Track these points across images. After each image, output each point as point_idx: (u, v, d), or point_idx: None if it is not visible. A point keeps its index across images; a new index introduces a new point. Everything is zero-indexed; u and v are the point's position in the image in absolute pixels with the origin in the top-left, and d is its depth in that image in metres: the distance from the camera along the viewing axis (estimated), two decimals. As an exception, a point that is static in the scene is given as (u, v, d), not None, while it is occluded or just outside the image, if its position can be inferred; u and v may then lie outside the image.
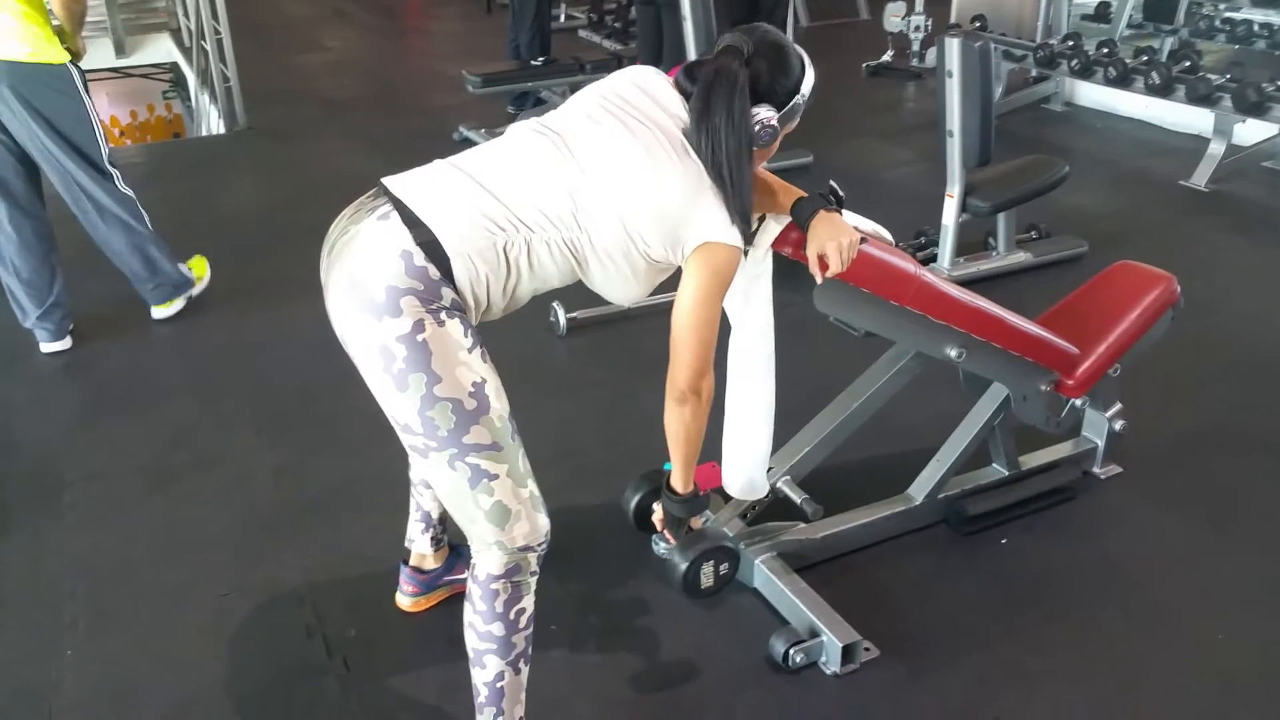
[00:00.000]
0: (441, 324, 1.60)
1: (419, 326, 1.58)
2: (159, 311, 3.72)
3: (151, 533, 2.61)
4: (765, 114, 1.76)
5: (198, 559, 2.51)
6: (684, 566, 2.14)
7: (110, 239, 3.54)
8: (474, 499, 1.68)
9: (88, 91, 3.35)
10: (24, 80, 3.20)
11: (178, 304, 3.75)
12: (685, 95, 1.77)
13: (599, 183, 1.68)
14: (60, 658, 2.21)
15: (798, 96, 1.81)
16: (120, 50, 8.75)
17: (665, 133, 1.71)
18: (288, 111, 6.68)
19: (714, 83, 1.70)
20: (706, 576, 2.17)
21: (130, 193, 3.53)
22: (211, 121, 7.04)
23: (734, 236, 1.72)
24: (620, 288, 1.79)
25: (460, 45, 8.75)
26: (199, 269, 3.87)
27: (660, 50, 5.28)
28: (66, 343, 3.53)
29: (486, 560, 1.74)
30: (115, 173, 3.48)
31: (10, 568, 2.50)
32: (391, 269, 1.59)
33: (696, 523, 2.19)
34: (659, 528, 2.13)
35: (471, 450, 1.64)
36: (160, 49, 9.05)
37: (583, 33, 8.61)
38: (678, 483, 1.99)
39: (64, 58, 3.26)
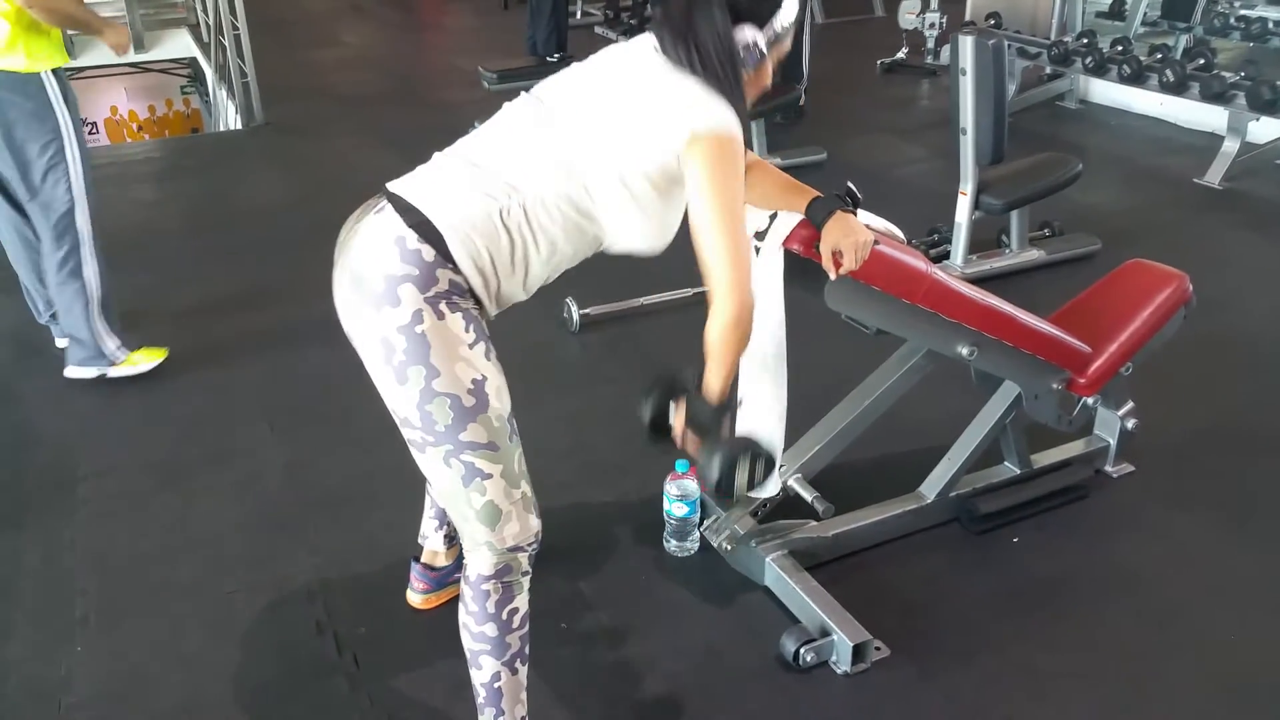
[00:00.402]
0: (441, 316, 1.59)
1: (418, 317, 1.58)
2: (69, 370, 3.30)
3: (164, 528, 2.63)
4: (749, 33, 1.68)
5: (209, 555, 2.53)
6: (720, 460, 1.76)
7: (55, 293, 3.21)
8: (466, 497, 1.68)
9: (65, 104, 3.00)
10: None
11: (89, 371, 3.29)
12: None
13: (580, 121, 1.67)
14: (71, 654, 2.23)
15: (780, 14, 1.72)
16: (139, 45, 8.79)
17: (645, 60, 1.70)
18: (305, 107, 6.71)
19: (690, 4, 1.65)
20: (741, 473, 1.80)
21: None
22: (229, 116, 7.08)
23: (724, 118, 1.63)
24: (633, 227, 1.70)
25: (477, 41, 8.77)
26: (150, 355, 3.35)
27: None
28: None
29: (477, 560, 1.74)
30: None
31: (24, 563, 2.51)
32: (387, 257, 1.59)
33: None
34: (678, 438, 1.83)
35: (467, 448, 1.64)
36: (179, 44, 9.10)
37: (599, 29, 8.61)
38: (714, 389, 1.75)
39: (34, 67, 2.91)
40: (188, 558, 2.52)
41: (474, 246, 1.61)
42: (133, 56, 8.86)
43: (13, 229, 3.28)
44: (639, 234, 1.71)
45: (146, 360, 3.34)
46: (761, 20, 1.70)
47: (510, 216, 1.63)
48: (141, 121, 11.97)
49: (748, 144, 1.71)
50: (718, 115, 1.63)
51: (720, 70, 1.65)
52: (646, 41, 1.73)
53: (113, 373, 3.29)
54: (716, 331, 1.67)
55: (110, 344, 3.26)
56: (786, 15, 1.73)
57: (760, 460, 1.82)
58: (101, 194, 4.67)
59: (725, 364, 1.72)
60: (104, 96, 11.81)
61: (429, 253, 1.59)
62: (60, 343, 3.44)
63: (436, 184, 1.67)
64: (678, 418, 1.82)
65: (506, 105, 1.79)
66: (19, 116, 2.94)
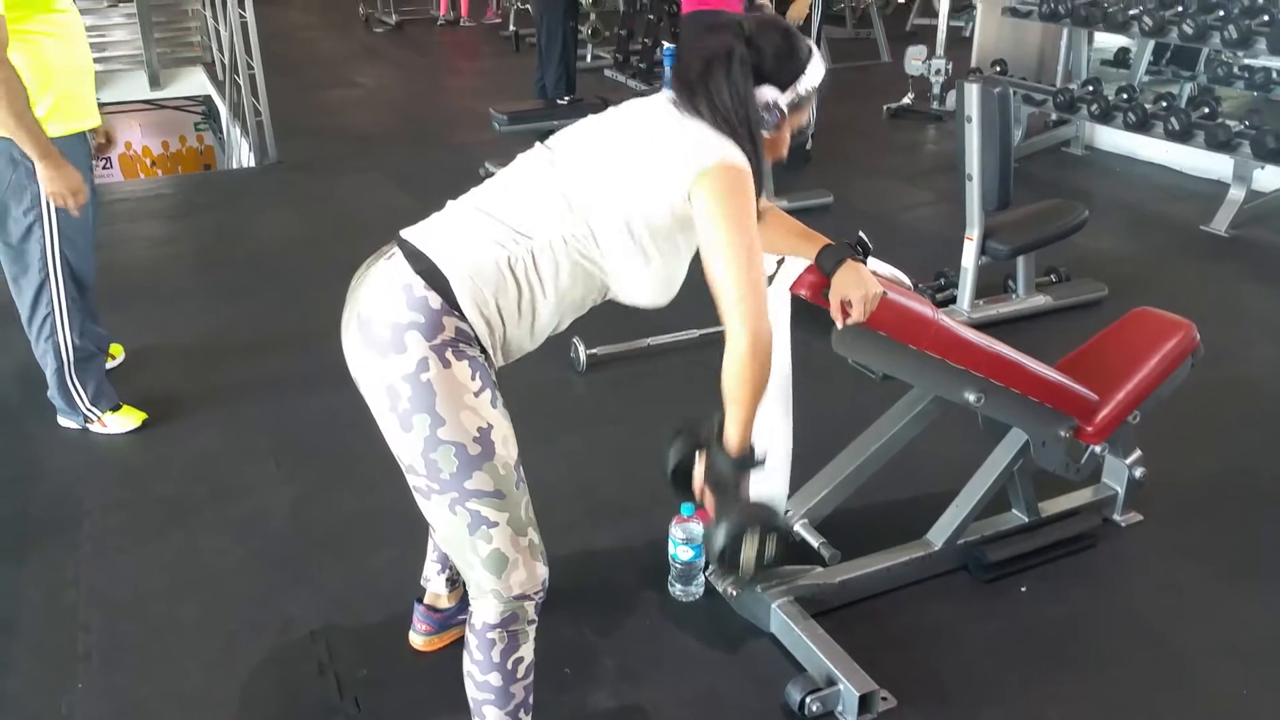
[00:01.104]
0: (447, 364, 1.59)
1: (423, 365, 1.58)
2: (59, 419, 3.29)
3: (167, 565, 2.62)
4: (769, 93, 1.69)
5: (212, 593, 2.52)
6: (728, 531, 1.72)
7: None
8: (472, 545, 1.67)
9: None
10: None
11: (72, 423, 3.27)
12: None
13: (588, 168, 1.68)
14: (72, 691, 2.21)
15: (803, 79, 1.72)
16: (155, 83, 8.90)
17: (658, 112, 1.72)
18: (318, 146, 6.76)
19: (712, 55, 1.66)
20: (750, 546, 1.75)
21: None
22: (242, 154, 7.14)
23: (733, 155, 1.63)
24: (637, 277, 1.70)
25: (488, 83, 8.86)
26: (126, 416, 3.27)
27: None
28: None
29: (483, 608, 1.72)
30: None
31: (27, 598, 2.51)
32: (394, 304, 1.60)
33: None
34: (698, 492, 1.79)
35: (473, 496, 1.63)
36: (194, 82, 9.20)
37: (608, 72, 8.70)
38: (734, 438, 1.70)
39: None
40: (190, 596, 2.51)
41: (481, 295, 1.61)
42: (148, 94, 8.99)
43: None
44: (644, 284, 1.71)
45: (120, 422, 3.24)
46: (784, 82, 1.71)
47: (517, 264, 1.63)
48: (155, 157, 12.06)
49: (759, 193, 1.72)
50: (726, 151, 1.64)
51: (735, 125, 1.65)
52: (662, 96, 1.75)
53: (92, 428, 3.24)
54: (733, 366, 1.63)
55: (82, 406, 3.20)
56: (811, 78, 1.74)
57: (772, 536, 1.74)
58: (113, 230, 4.71)
59: (744, 406, 1.66)
60: (119, 132, 11.90)
61: (435, 300, 1.59)
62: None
63: (446, 231, 1.68)
64: (698, 470, 1.78)
65: (520, 155, 1.80)
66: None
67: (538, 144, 1.80)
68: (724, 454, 1.72)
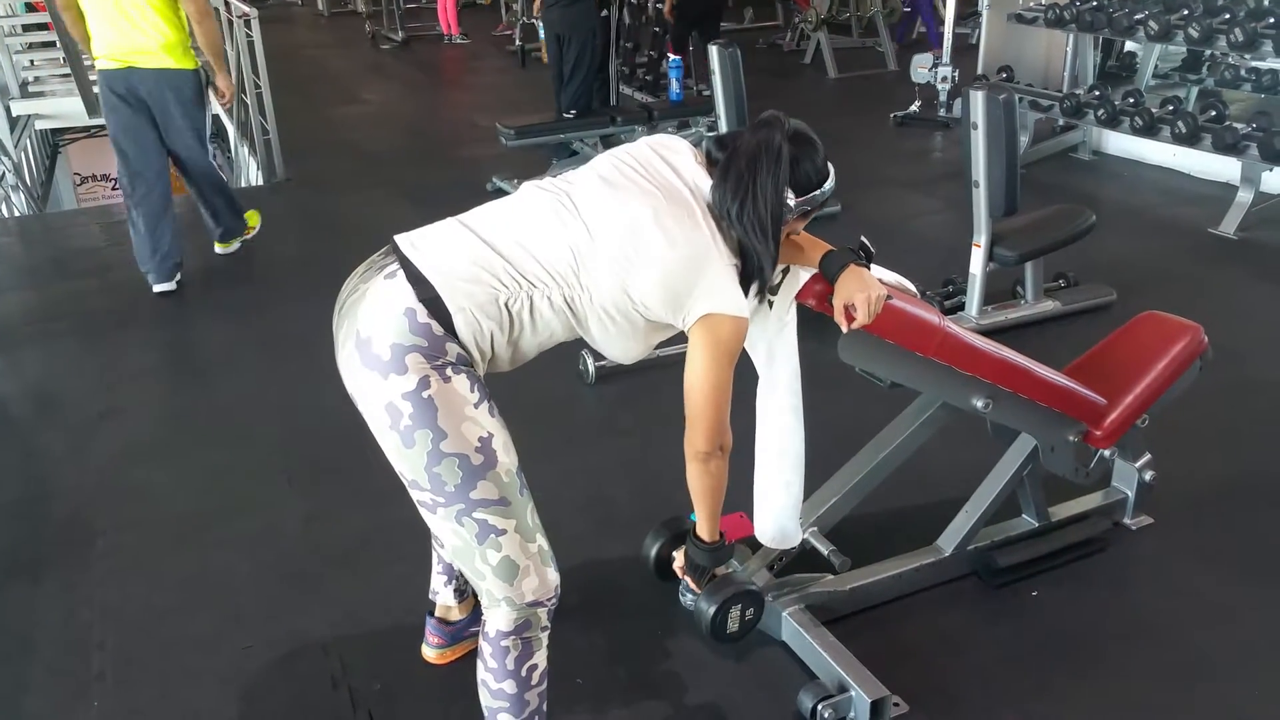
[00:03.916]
0: (447, 380, 1.61)
1: (424, 383, 1.60)
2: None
3: (180, 582, 2.63)
4: (790, 197, 1.78)
5: (225, 609, 2.53)
6: (712, 611, 2.12)
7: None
8: (481, 555, 1.68)
9: None
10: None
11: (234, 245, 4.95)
12: (712, 163, 1.78)
13: (602, 242, 1.69)
14: (88, 709, 2.23)
15: (819, 190, 1.83)
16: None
17: (678, 199, 1.73)
18: (326, 163, 6.80)
19: (760, 152, 1.72)
20: (733, 621, 2.16)
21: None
22: (250, 172, 7.18)
23: (739, 307, 1.72)
24: (619, 345, 1.79)
25: (495, 98, 8.90)
26: (252, 219, 5.03)
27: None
28: (172, 285, 4.51)
29: (496, 617, 1.74)
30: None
31: (42, 617, 2.52)
32: (396, 327, 1.61)
33: (719, 571, 2.18)
34: (680, 575, 2.12)
35: (479, 506, 1.65)
36: (201, 101, 9.25)
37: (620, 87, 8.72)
38: (704, 532, 1.99)
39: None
40: (204, 612, 2.52)
41: (478, 327, 1.66)
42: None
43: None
44: (620, 350, 1.81)
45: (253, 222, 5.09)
46: (805, 189, 1.80)
47: (514, 303, 1.67)
48: (165, 177, 12.16)
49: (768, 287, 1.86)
50: (733, 301, 1.72)
51: (762, 228, 1.73)
52: (686, 160, 1.79)
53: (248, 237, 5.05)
54: (695, 475, 1.86)
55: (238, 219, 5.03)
56: (826, 189, 1.84)
57: (750, 605, 2.16)
58: (122, 248, 4.75)
59: (705, 506, 1.92)
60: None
61: (438, 328, 1.62)
62: (156, 288, 4.49)
63: (449, 258, 1.69)
64: (678, 559, 2.12)
65: (528, 187, 1.82)
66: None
67: (547, 182, 1.82)
68: (698, 545, 2.02)
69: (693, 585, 2.12)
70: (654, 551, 2.44)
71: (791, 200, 1.78)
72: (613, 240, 1.69)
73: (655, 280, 1.68)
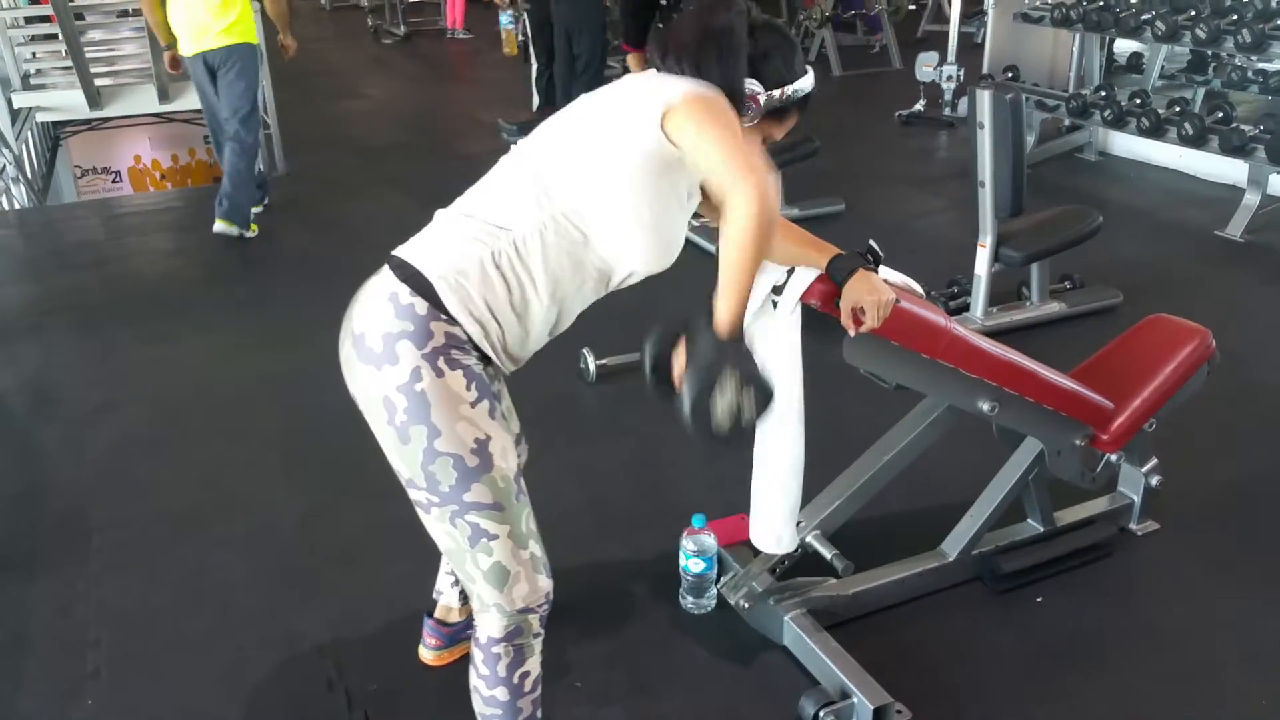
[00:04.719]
0: (440, 374, 1.56)
1: (416, 375, 1.56)
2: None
3: (177, 580, 2.61)
4: (753, 85, 1.66)
5: (221, 607, 2.51)
6: (698, 388, 1.55)
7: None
8: (473, 558, 1.65)
9: None
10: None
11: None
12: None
13: (560, 143, 1.66)
14: (82, 707, 2.21)
15: (791, 85, 1.70)
16: (164, 96, 8.92)
17: (628, 81, 1.70)
18: (327, 158, 6.79)
19: (710, 27, 1.63)
20: (723, 397, 1.56)
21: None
22: (251, 167, 7.15)
23: (708, 89, 1.59)
24: (632, 238, 1.62)
25: (496, 93, 8.88)
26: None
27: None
28: (222, 228, 5.00)
29: (486, 623, 1.71)
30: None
31: (38, 615, 2.50)
32: (383, 315, 1.58)
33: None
34: (678, 382, 1.61)
35: (472, 508, 1.62)
36: (203, 95, 9.24)
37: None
38: (725, 319, 1.55)
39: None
40: (200, 610, 2.50)
41: (466, 294, 1.58)
42: (157, 107, 9.03)
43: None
44: (640, 246, 1.63)
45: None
46: (771, 81, 1.69)
47: (501, 258, 1.59)
48: (164, 170, 12.13)
49: None
50: (693, 86, 1.59)
51: (717, 60, 1.63)
52: (640, 74, 1.74)
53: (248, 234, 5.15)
54: (735, 232, 1.49)
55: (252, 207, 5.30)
56: (799, 86, 1.72)
57: (750, 386, 1.55)
58: (123, 243, 4.74)
59: (741, 280, 1.53)
60: (128, 145, 11.99)
61: (422, 305, 1.57)
62: (215, 228, 5.04)
63: (430, 238, 1.67)
64: (678, 357, 1.61)
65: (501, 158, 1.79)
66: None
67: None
68: (712, 335, 1.56)
69: (687, 392, 1.57)
70: (654, 350, 1.68)
71: (761, 94, 1.66)
72: (569, 136, 1.65)
73: (618, 104, 1.63)
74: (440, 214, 1.73)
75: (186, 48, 4.93)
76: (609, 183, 1.59)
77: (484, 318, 1.60)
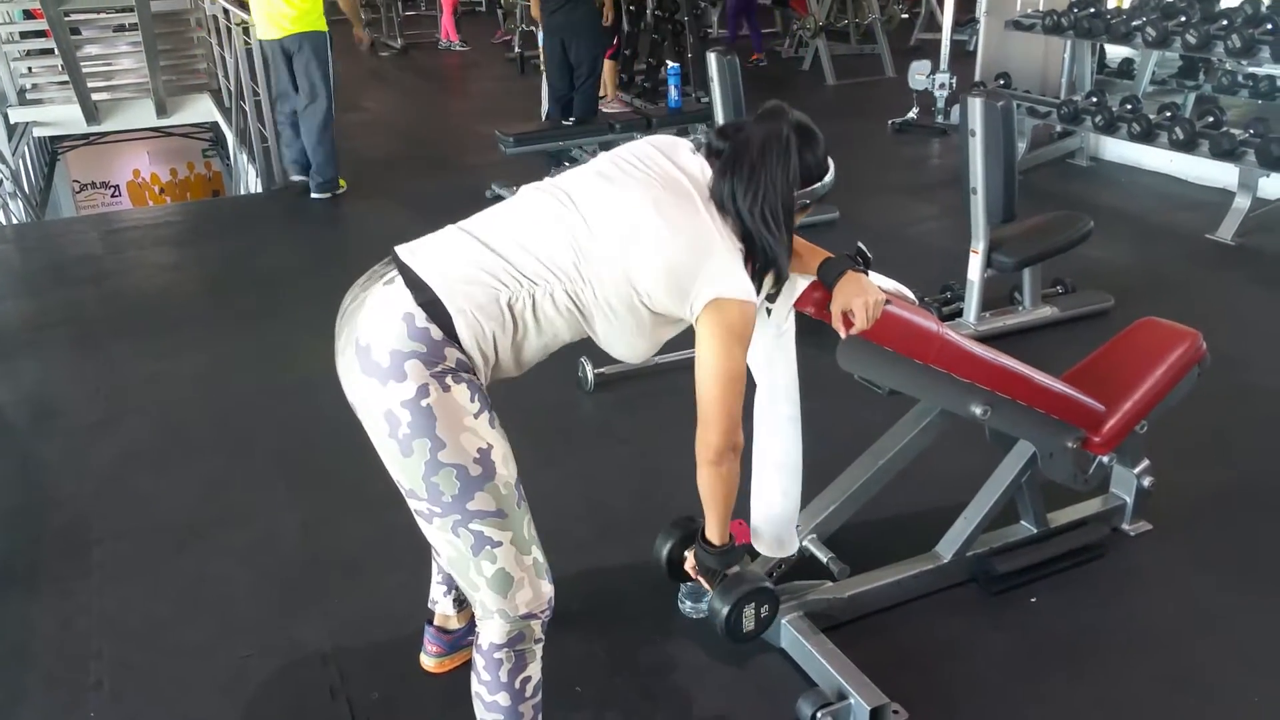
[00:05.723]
0: (446, 389, 1.60)
1: (423, 391, 1.59)
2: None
3: (178, 591, 2.63)
4: (802, 201, 1.79)
5: (223, 618, 2.52)
6: (725, 611, 2.02)
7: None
8: (476, 566, 1.67)
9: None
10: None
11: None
12: (714, 154, 1.77)
13: (603, 234, 1.68)
14: (84, 719, 2.22)
15: (819, 184, 1.83)
16: (162, 110, 8.97)
17: (678, 188, 1.72)
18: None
19: (770, 143, 1.71)
20: (748, 620, 2.06)
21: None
22: (250, 180, 7.19)
23: (747, 291, 1.70)
24: (625, 342, 1.76)
25: (494, 106, 8.90)
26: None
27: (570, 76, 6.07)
28: (320, 196, 5.94)
29: (489, 629, 1.73)
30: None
31: (39, 627, 2.52)
32: (395, 332, 1.61)
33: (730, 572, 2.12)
34: (693, 575, 2.07)
35: (475, 517, 1.64)
36: (200, 109, 9.27)
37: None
38: (714, 536, 1.96)
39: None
40: (202, 621, 2.51)
41: (480, 329, 1.64)
42: (155, 121, 9.07)
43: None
44: (627, 347, 1.78)
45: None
46: (806, 181, 1.80)
47: (517, 303, 1.65)
48: (164, 184, 12.17)
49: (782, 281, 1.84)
50: (740, 285, 1.69)
51: (775, 218, 1.72)
52: (686, 154, 1.79)
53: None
54: (706, 476, 1.80)
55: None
56: (826, 182, 1.84)
57: (765, 602, 2.06)
58: (123, 257, 4.76)
59: (716, 510, 1.89)
60: (127, 159, 12.04)
61: (437, 332, 1.61)
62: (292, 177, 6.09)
63: (447, 262, 1.68)
64: (689, 560, 2.06)
65: (526, 190, 1.81)
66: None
67: (546, 182, 1.81)
68: (708, 549, 1.98)
69: (705, 585, 2.06)
70: (665, 552, 2.26)
71: (804, 198, 1.79)
72: (613, 231, 1.68)
73: (659, 267, 1.67)
74: (454, 231, 1.75)
75: (265, 33, 5.72)
76: (634, 306, 1.71)
77: (489, 351, 1.67)
